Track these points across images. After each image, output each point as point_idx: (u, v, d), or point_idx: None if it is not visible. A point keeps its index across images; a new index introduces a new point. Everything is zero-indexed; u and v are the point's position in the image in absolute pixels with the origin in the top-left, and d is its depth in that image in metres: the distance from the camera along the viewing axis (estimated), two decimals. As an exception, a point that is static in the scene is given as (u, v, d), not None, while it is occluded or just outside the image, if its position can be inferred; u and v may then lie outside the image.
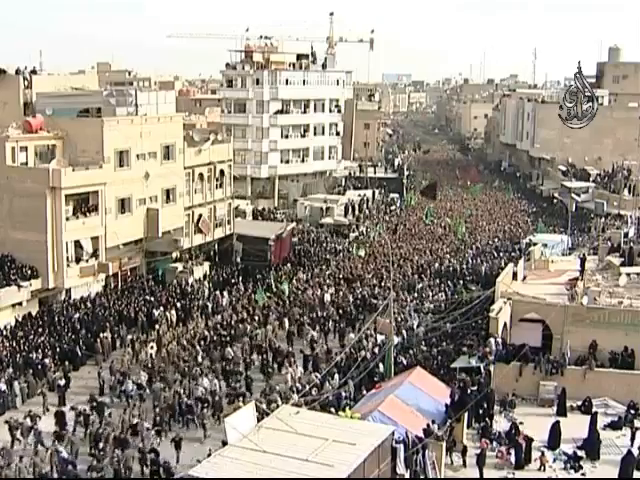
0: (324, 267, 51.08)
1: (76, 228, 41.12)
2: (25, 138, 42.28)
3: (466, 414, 27.59)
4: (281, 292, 44.55)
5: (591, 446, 27.06)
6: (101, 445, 26.45)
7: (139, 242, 46.00)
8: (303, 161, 79.63)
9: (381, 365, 32.57)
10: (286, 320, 40.22)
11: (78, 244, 41.49)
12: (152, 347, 36.06)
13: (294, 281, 47.27)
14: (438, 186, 76.35)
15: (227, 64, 78.68)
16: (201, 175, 50.87)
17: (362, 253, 54.42)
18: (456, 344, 35.07)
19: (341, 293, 44.95)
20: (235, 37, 78.39)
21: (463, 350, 33.74)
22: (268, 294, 44.02)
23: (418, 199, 77.72)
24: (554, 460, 26.84)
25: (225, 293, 44.50)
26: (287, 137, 78.05)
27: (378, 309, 40.37)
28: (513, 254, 52.66)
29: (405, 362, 33.11)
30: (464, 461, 26.49)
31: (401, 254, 53.47)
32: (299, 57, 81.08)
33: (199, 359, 34.62)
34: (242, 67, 77.32)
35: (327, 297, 43.82)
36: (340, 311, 41.86)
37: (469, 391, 29.03)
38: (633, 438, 27.43)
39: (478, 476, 25.78)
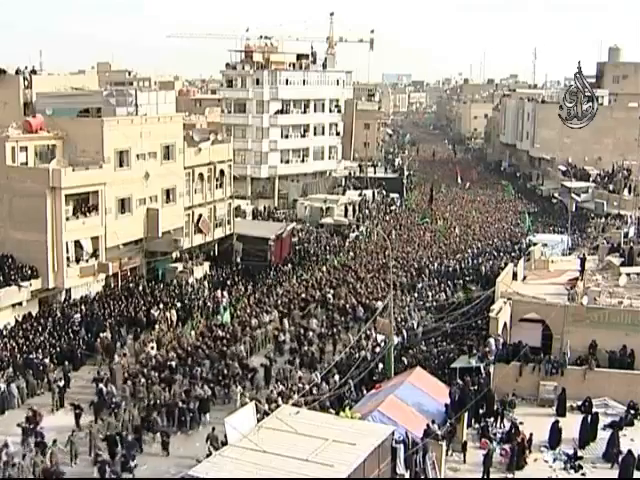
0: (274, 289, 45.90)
1: (76, 228, 41.10)
2: (25, 138, 42.28)
3: (466, 414, 27.60)
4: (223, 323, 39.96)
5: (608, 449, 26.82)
6: None
7: (139, 242, 45.99)
8: (303, 161, 79.65)
9: (381, 365, 32.58)
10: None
11: (78, 244, 41.48)
12: (152, 347, 36.10)
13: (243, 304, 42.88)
14: (434, 190, 76.36)
15: (227, 64, 78.74)
16: (201, 175, 50.87)
17: (337, 263, 51.71)
18: (456, 344, 35.07)
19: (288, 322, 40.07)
20: (235, 37, 78.67)
21: (463, 350, 33.76)
22: (202, 325, 39.85)
23: (416, 201, 77.76)
24: (554, 460, 26.87)
25: (225, 293, 44.51)
26: (287, 137, 78.08)
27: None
28: (513, 254, 52.64)
29: (405, 362, 33.11)
30: (464, 457, 26.51)
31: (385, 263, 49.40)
32: (299, 57, 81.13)
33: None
34: (242, 67, 77.37)
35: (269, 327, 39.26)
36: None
37: (469, 391, 29.04)
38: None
39: (478, 476, 25.77)
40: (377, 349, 34.64)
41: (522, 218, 62.72)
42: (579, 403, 30.33)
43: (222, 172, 53.19)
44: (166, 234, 46.77)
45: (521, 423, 28.62)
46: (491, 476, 25.66)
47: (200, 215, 50.46)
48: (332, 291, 44.75)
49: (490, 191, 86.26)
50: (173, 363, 34.15)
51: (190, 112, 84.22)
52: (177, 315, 40.54)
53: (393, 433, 23.75)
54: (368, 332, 36.66)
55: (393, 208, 74.97)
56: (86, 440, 27.54)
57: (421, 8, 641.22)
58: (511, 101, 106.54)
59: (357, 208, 70.52)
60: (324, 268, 50.75)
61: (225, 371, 33.31)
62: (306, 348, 36.28)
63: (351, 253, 55.23)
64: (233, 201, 55.15)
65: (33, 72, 51.06)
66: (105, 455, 26.22)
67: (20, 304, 38.93)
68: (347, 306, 42.21)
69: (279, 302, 43.34)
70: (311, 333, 38.45)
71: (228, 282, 46.90)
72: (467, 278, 47.17)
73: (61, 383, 32.09)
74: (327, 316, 41.27)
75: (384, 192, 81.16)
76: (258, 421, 23.13)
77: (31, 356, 33.87)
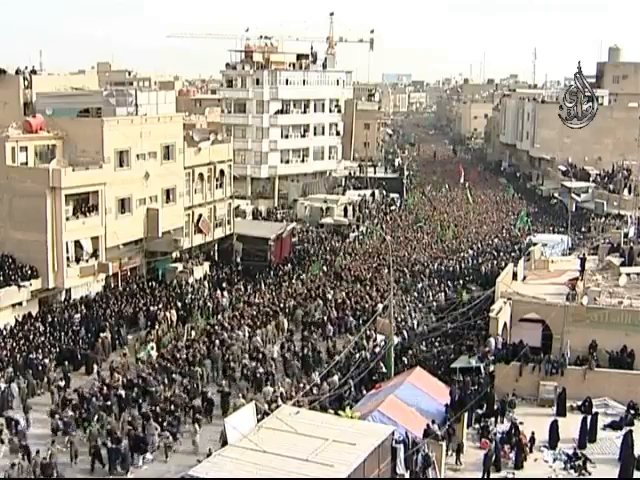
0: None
1: (76, 228, 41.11)
2: (25, 138, 42.29)
3: (466, 414, 27.60)
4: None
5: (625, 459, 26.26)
6: None
7: (139, 242, 46.00)
8: (303, 161, 79.69)
9: (381, 365, 32.57)
10: None
11: (78, 244, 41.49)
12: (152, 347, 36.10)
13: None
14: (432, 191, 75.64)
15: (227, 64, 78.79)
16: (201, 175, 50.89)
17: (317, 270, 49.63)
18: (456, 344, 35.07)
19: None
20: (235, 37, 78.76)
21: (463, 350, 33.76)
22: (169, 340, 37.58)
23: (415, 201, 77.72)
24: (554, 460, 26.87)
25: (225, 293, 44.50)
26: (287, 137, 78.13)
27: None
28: (513, 254, 52.63)
29: (405, 362, 33.10)
30: (458, 459, 26.46)
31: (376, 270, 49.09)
32: (299, 57, 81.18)
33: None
34: (242, 67, 77.42)
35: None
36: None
37: (469, 391, 29.04)
38: None
39: (478, 475, 25.77)
40: (377, 349, 34.65)
41: (520, 218, 62.67)
42: (579, 403, 30.33)
43: (222, 172, 53.21)
44: (166, 234, 46.78)
45: (521, 423, 28.61)
46: (491, 476, 25.68)
47: (200, 215, 50.47)
48: (304, 308, 42.10)
49: (490, 191, 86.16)
50: (122, 392, 30.70)
51: (190, 112, 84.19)
52: (177, 315, 40.57)
53: (393, 433, 23.77)
54: (368, 332, 36.67)
55: (393, 208, 74.92)
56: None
57: (421, 8, 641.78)
58: (511, 101, 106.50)
59: (357, 208, 70.50)
60: (303, 277, 48.50)
61: (172, 406, 29.39)
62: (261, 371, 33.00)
63: (345, 258, 53.99)
64: (233, 201, 55.17)
65: (33, 72, 51.07)
66: None
67: (20, 304, 38.93)
68: (320, 321, 39.93)
69: (252, 314, 40.78)
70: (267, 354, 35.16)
71: (226, 283, 46.79)
72: (467, 278, 47.17)
73: (61, 383, 32.13)
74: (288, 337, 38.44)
75: (384, 192, 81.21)
76: (258, 421, 23.15)
77: (31, 356, 33.87)
